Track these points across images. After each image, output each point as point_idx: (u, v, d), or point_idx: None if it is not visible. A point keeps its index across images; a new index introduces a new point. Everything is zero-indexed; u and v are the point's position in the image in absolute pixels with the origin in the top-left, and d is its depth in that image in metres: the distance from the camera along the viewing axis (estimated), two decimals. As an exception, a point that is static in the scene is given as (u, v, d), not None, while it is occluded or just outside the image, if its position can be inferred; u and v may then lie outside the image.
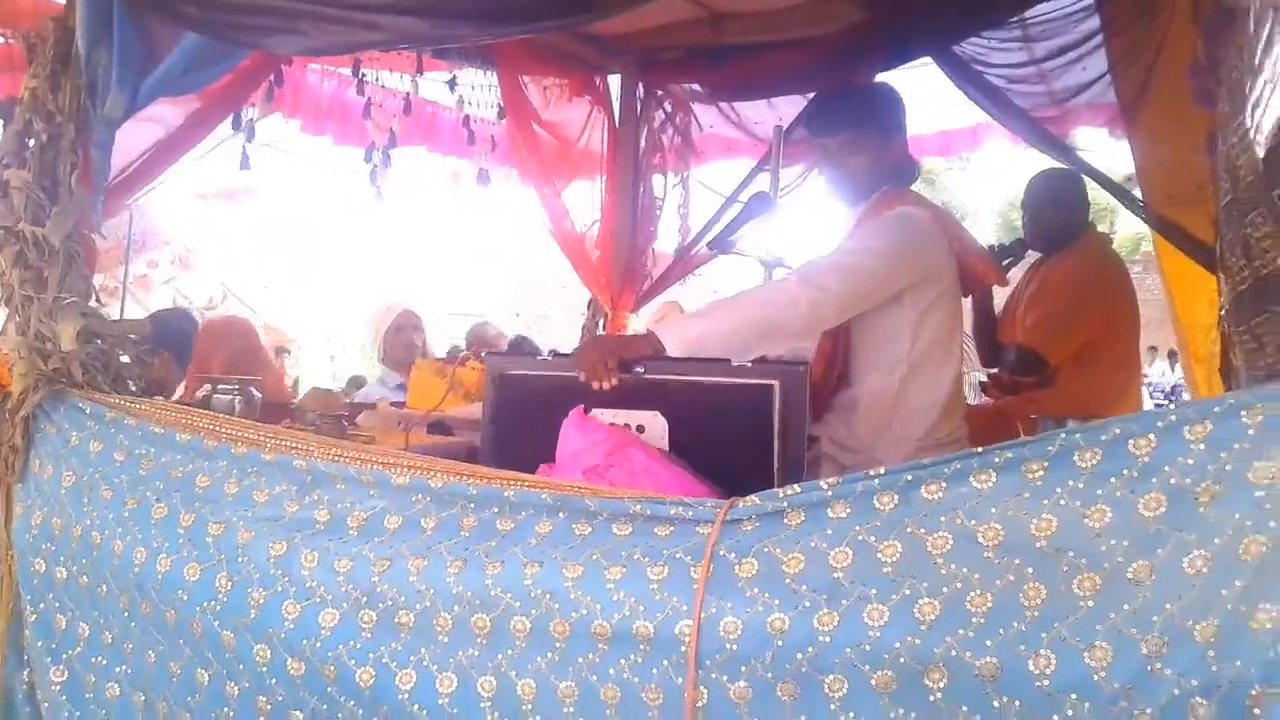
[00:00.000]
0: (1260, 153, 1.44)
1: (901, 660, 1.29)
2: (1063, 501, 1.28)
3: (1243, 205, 1.49)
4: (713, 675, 1.38)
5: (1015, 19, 3.02)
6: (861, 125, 2.42)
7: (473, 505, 1.62)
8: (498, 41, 3.24)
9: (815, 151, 2.52)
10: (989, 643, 1.26)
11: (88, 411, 2.00)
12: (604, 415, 1.99)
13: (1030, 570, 1.27)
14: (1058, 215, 3.52)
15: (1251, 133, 1.45)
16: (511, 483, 1.61)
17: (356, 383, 5.20)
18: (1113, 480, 1.27)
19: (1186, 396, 3.51)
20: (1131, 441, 1.27)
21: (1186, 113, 2.56)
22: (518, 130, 3.57)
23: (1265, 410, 1.22)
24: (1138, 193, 3.00)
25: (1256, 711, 1.15)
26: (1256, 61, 1.45)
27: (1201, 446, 1.24)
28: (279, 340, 7.86)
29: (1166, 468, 1.25)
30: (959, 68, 3.09)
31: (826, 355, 2.41)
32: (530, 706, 1.46)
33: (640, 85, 3.92)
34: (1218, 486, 1.23)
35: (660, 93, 3.95)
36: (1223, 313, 1.96)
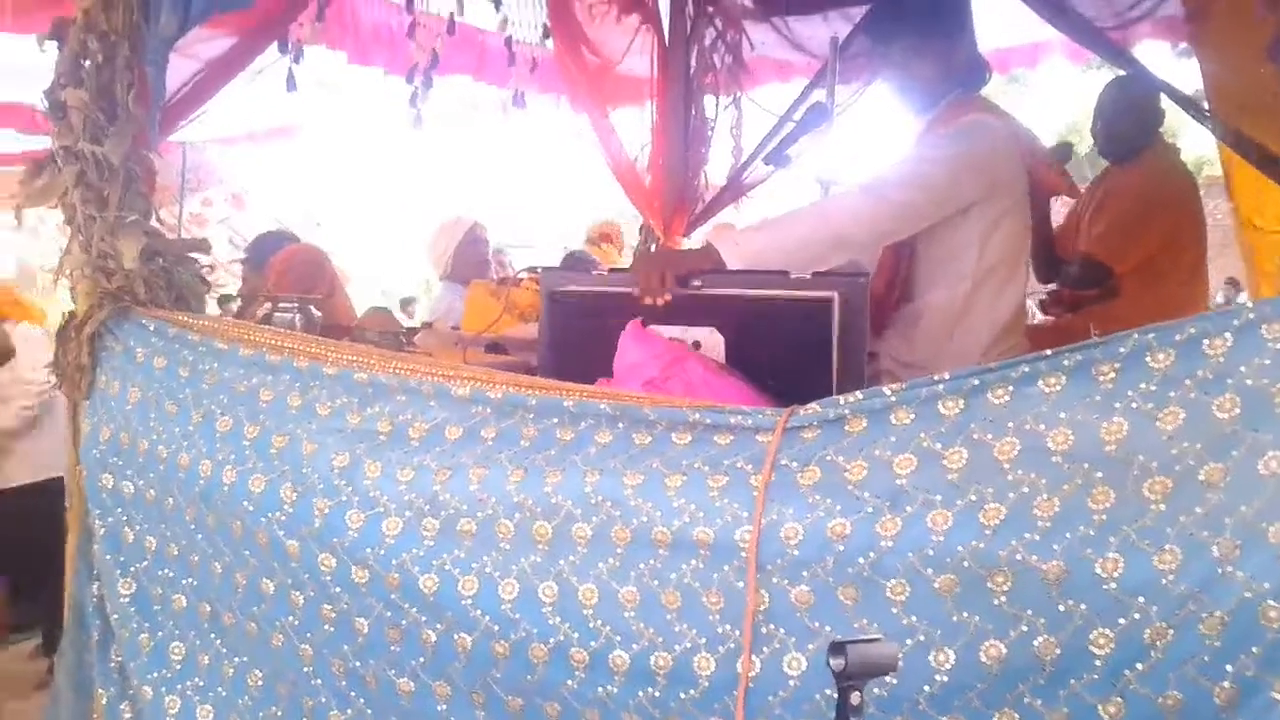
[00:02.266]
0: None
1: (965, 564, 1.28)
2: (1134, 404, 1.26)
3: None
4: (774, 579, 1.38)
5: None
6: (926, 28, 2.33)
7: (532, 415, 1.62)
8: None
9: (878, 59, 2.44)
10: (1055, 546, 1.25)
11: (151, 328, 2.03)
12: (661, 332, 1.98)
13: (1099, 475, 1.26)
14: (1129, 122, 3.46)
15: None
16: (571, 393, 1.61)
17: (407, 302, 5.22)
18: (1186, 382, 1.24)
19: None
20: (1207, 341, 1.24)
21: (1252, 19, 2.48)
22: (565, 51, 3.52)
23: (1348, 308, 1.19)
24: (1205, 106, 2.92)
25: (1332, 613, 1.13)
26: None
27: (1279, 345, 1.21)
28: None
29: (1242, 368, 1.22)
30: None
31: (889, 269, 2.36)
32: (591, 611, 1.48)
33: (690, 2, 3.84)
34: (1296, 386, 1.20)
35: (711, 10, 3.87)
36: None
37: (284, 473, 1.76)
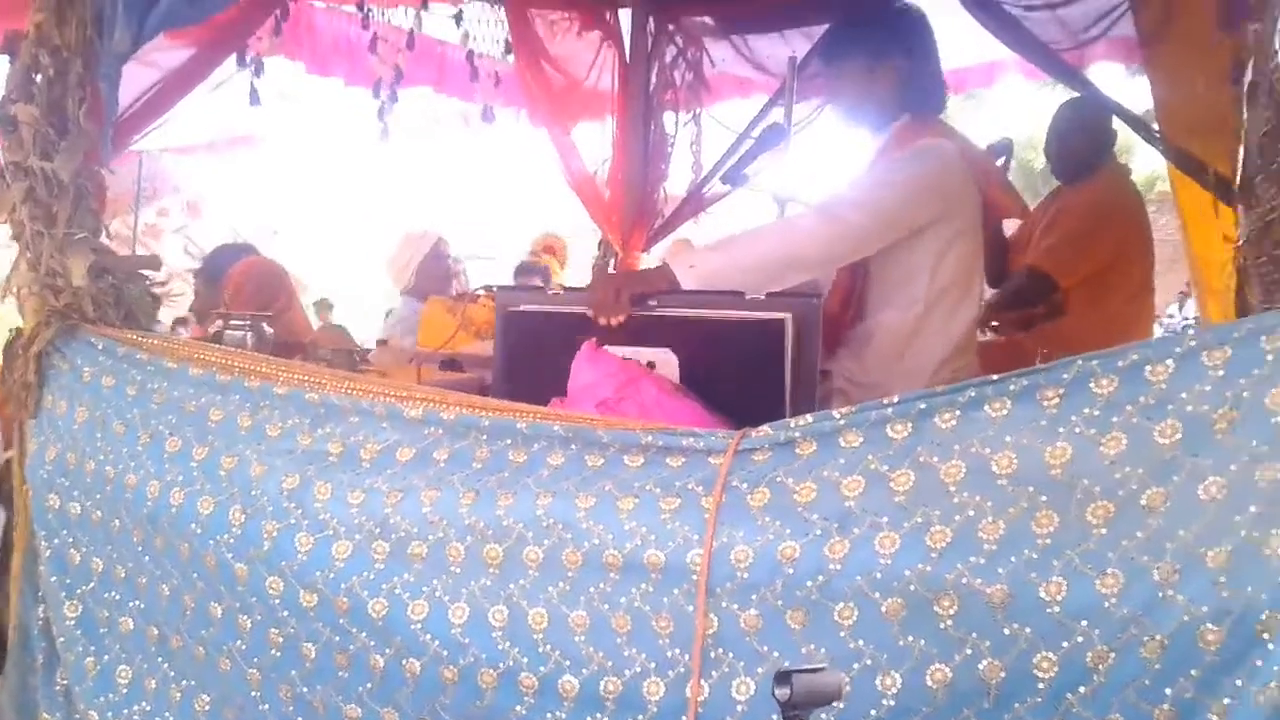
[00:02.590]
0: None
1: (912, 588, 1.30)
2: (1078, 429, 1.28)
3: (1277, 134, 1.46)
4: (723, 603, 1.39)
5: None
6: (879, 49, 2.35)
7: (485, 437, 1.61)
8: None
9: (831, 78, 2.46)
10: (1000, 570, 1.26)
11: (100, 347, 2.00)
12: (615, 352, 1.98)
13: (1043, 498, 1.27)
14: (1082, 142, 3.50)
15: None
16: (524, 414, 1.61)
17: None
18: (1129, 407, 1.26)
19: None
20: (1149, 368, 1.26)
21: (1208, 43, 2.52)
22: (526, 67, 3.52)
23: (1286, 335, 1.21)
24: (1156, 128, 2.96)
25: (1266, 636, 1.16)
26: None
27: (1220, 373, 1.23)
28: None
29: (1183, 394, 1.24)
30: (976, -2, 3.03)
31: (843, 289, 2.37)
32: (541, 636, 1.47)
33: (651, 19, 3.86)
34: (1235, 413, 1.22)
35: (671, 27, 3.89)
36: (1243, 243, 1.94)
37: (233, 494, 1.74)
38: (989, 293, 3.72)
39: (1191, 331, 1.30)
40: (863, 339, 2.37)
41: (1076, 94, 3.52)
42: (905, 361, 2.32)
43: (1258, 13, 1.74)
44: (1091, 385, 1.28)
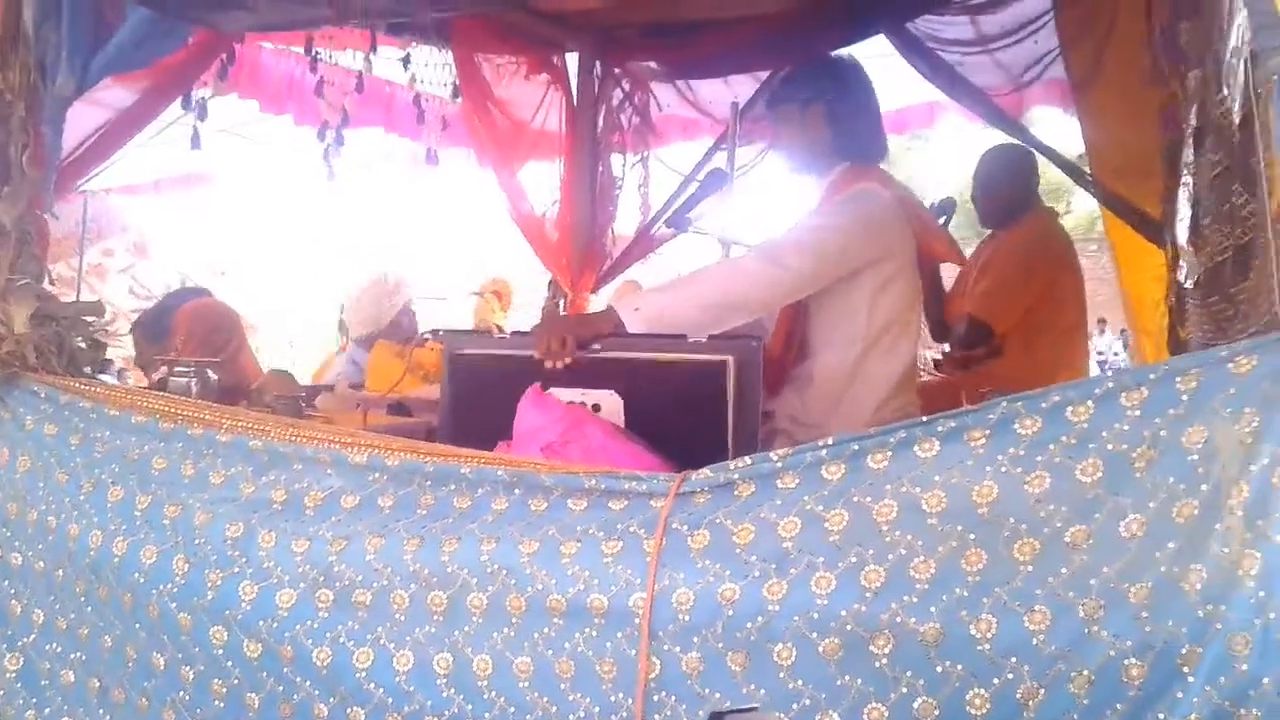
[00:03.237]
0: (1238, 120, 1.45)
1: (849, 627, 1.32)
2: (1004, 468, 1.32)
3: (1227, 176, 1.51)
4: (665, 646, 1.40)
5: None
6: (824, 96, 2.42)
7: (429, 483, 1.62)
8: (453, 17, 3.22)
9: (778, 122, 2.52)
10: (932, 608, 1.29)
11: (42, 395, 1.99)
12: (561, 395, 2.00)
13: (972, 536, 1.31)
14: (1006, 190, 3.57)
15: (1233, 104, 1.46)
16: (468, 460, 1.62)
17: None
18: (1051, 447, 1.30)
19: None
20: (1070, 409, 1.31)
21: (1138, 88, 2.59)
22: (474, 109, 3.56)
23: (1199, 376, 1.26)
24: (1089, 170, 3.05)
25: (1186, 670, 1.19)
26: (1226, 31, 1.45)
27: (1137, 412, 1.28)
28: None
29: (1104, 433, 1.29)
30: (912, 45, 3.13)
31: (785, 329, 2.42)
32: (486, 683, 1.48)
33: (598, 63, 3.91)
34: (1153, 451, 1.26)
35: (618, 71, 3.95)
36: (1190, 284, 1.99)
37: (177, 543, 1.74)
38: (935, 351, 3.81)
39: (1110, 373, 1.34)
40: (805, 379, 2.42)
41: (997, 145, 3.61)
42: (846, 401, 2.37)
43: (1198, 60, 1.81)
44: (1016, 426, 1.32)
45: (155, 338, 3.39)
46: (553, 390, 1.99)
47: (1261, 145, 1.30)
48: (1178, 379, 1.27)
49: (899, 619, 1.30)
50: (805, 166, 2.50)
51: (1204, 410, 1.24)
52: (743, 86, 3.71)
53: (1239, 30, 1.37)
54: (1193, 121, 1.79)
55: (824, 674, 1.33)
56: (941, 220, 3.19)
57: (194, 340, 3.21)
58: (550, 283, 4.08)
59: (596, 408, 1.99)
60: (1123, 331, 11.29)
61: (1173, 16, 1.97)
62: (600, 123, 3.95)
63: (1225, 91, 1.44)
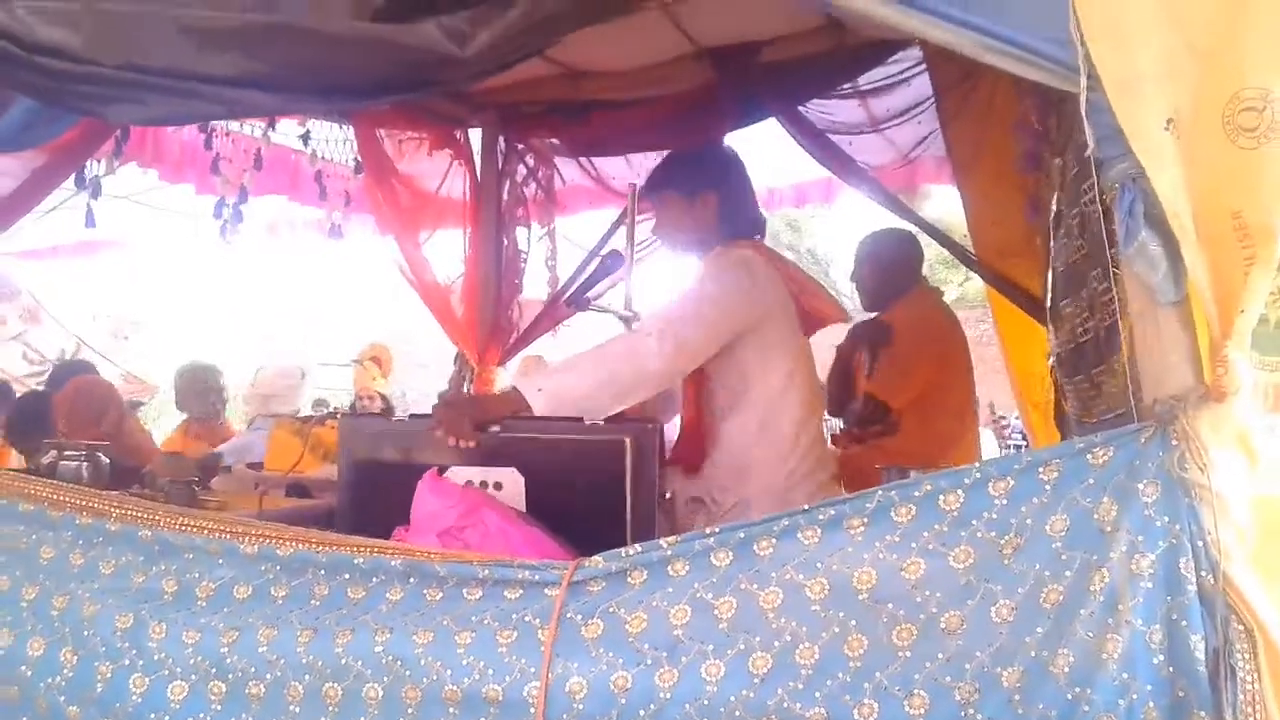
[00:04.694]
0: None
1: (737, 714, 1.35)
2: (881, 555, 1.37)
3: (1088, 262, 1.59)
4: (560, 735, 1.42)
5: (850, 85, 3.18)
6: (700, 184, 2.51)
7: (323, 573, 1.62)
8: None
9: (660, 207, 2.59)
10: (817, 694, 1.33)
11: (-79, 484, 1.93)
12: (462, 473, 2.01)
13: (853, 622, 1.35)
14: (882, 275, 3.64)
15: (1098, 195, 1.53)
16: (361, 550, 1.62)
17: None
18: (925, 534, 1.36)
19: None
20: (941, 497, 1.37)
21: (1011, 177, 2.72)
22: (376, 184, 3.57)
23: (1059, 466, 1.33)
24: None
25: (1056, 751, 1.24)
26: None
27: (1004, 501, 1.34)
28: (136, 391, 7.60)
29: (974, 521, 1.35)
30: (803, 127, 3.24)
31: (693, 401, 2.47)
32: (383, 773, 1.47)
33: (501, 139, 3.97)
34: (1019, 539, 1.33)
35: (521, 147, 4.01)
36: (1053, 361, 2.08)
37: (64, 635, 1.71)
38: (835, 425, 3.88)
39: (977, 465, 1.40)
40: (716, 452, 2.45)
41: (874, 231, 3.72)
42: (756, 466, 2.40)
43: (1059, 148, 1.91)
44: (892, 514, 1.38)
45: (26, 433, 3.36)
46: (454, 469, 2.00)
47: (1108, 245, 1.39)
48: (1040, 469, 1.34)
49: (785, 704, 1.33)
50: (685, 246, 2.57)
51: (1065, 499, 1.31)
52: (644, 163, 3.78)
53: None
54: (1054, 207, 1.89)
55: (713, 761, 1.35)
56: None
57: (76, 417, 3.17)
58: (457, 356, 4.08)
59: (499, 486, 2.01)
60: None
61: (1041, 107, 2.09)
62: (505, 196, 3.99)
63: (1093, 179, 1.52)
